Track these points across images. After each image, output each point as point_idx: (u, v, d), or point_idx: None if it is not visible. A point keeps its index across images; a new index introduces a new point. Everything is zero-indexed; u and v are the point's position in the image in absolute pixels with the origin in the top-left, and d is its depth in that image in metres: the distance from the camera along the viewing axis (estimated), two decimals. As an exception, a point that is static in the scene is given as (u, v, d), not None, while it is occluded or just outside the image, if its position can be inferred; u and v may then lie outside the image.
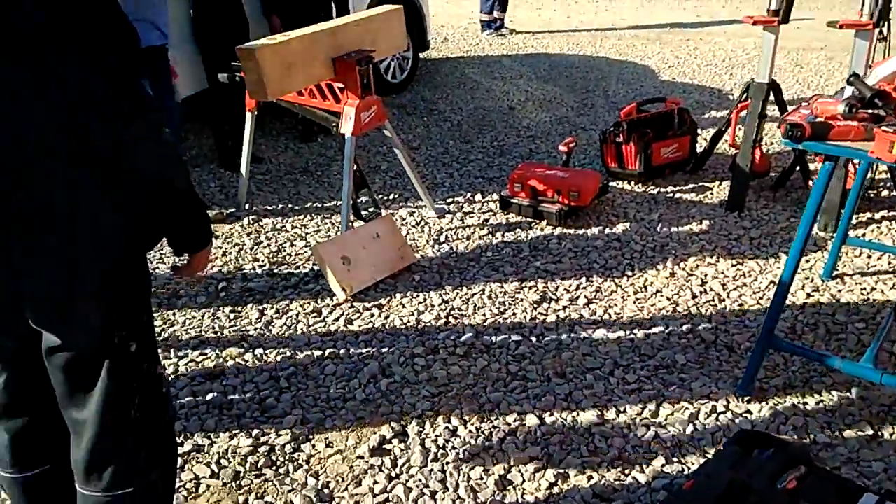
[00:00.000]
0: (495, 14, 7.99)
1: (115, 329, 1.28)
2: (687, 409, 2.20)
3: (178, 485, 1.90)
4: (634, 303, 2.83)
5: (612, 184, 3.93)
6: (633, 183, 3.97)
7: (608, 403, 2.24)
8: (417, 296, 2.91)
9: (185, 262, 1.42)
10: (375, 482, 1.96)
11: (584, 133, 4.84)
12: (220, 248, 3.35)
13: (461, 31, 8.37)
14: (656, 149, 3.93)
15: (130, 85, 1.17)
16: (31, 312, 1.25)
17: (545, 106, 5.49)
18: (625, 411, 2.21)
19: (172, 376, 2.42)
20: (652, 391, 2.29)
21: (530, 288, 2.96)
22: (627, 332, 2.63)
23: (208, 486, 1.96)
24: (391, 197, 3.90)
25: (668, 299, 2.85)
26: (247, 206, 3.78)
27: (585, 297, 2.88)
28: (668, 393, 2.28)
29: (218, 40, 3.92)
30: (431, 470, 1.99)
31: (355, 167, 3.23)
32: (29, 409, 1.40)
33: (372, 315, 2.78)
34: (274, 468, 2.02)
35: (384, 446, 2.09)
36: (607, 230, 3.45)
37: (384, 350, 2.55)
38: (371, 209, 3.40)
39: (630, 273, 3.06)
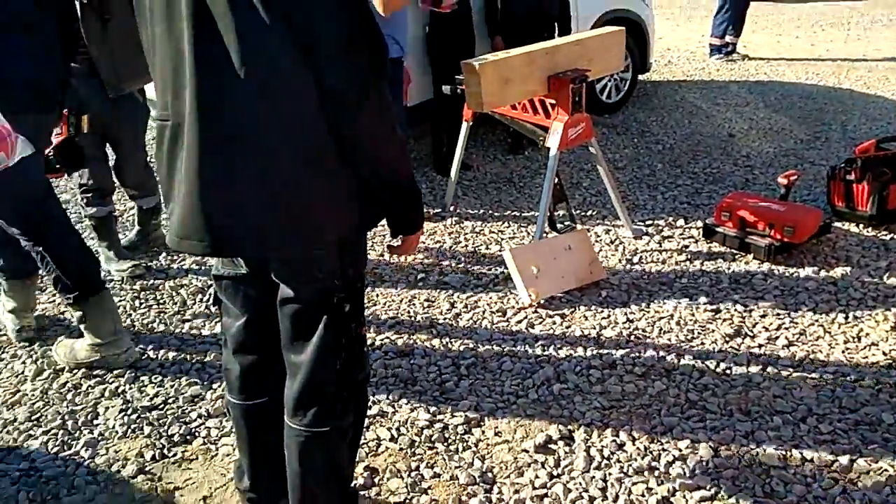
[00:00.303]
0: (727, 38, 7.62)
1: (335, 291, 1.51)
2: (886, 471, 1.98)
3: (362, 440, 2.12)
4: (843, 352, 2.59)
5: (836, 224, 3.60)
6: (861, 226, 3.60)
7: (793, 449, 2.10)
8: (602, 311, 2.92)
9: (398, 242, 1.62)
10: (537, 476, 2.03)
11: (812, 168, 4.47)
12: (424, 242, 3.62)
13: (687, 55, 8.10)
14: (894, 191, 3.53)
15: (377, 88, 1.37)
16: (276, 269, 1.52)
17: (770, 136, 5.15)
18: (812, 460, 2.05)
19: (369, 348, 2.69)
20: (847, 445, 2.10)
21: (724, 320, 2.83)
22: (829, 381, 2.42)
23: (387, 448, 2.17)
24: (589, 213, 3.93)
25: (885, 354, 2.56)
26: (451, 209, 4.04)
27: (786, 338, 2.70)
28: (865, 451, 2.07)
29: (447, 55, 4.23)
30: (593, 477, 2.02)
31: (556, 180, 3.33)
32: (259, 348, 1.68)
33: (554, 322, 2.85)
34: (445, 444, 2.18)
35: (549, 445, 2.16)
36: (823, 272, 3.18)
37: (561, 357, 2.61)
38: (567, 223, 3.47)
39: (843, 320, 2.80)
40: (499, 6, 4.70)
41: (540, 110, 3.43)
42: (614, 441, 2.15)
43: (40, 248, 2.48)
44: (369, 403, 2.28)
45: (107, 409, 2.41)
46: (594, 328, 2.80)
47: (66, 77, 2.57)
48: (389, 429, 2.24)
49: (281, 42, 1.28)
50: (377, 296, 3.12)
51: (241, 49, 1.27)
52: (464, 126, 3.83)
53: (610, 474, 2.02)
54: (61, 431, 2.30)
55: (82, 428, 2.32)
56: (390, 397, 2.40)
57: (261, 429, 1.73)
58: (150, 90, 3.34)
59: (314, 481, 1.61)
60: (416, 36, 4.41)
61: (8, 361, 2.69)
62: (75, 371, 2.60)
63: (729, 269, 3.25)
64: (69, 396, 2.47)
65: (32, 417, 2.37)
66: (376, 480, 2.05)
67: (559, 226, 3.44)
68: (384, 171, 1.45)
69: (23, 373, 2.62)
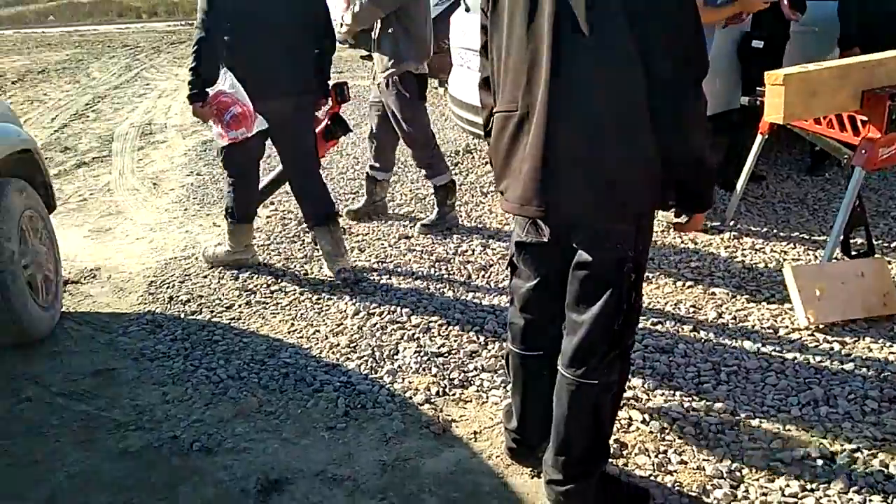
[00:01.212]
0: None
1: (627, 261, 1.73)
2: None
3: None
4: None
5: None
6: None
7: None
8: (891, 346, 2.71)
9: (686, 219, 1.81)
10: (788, 485, 2.03)
11: None
12: (697, 252, 3.64)
13: None
14: None
15: (697, 82, 1.59)
16: (580, 238, 1.75)
17: None
18: None
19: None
20: None
21: None
22: None
23: (638, 428, 2.33)
24: (893, 245, 3.58)
25: None
26: (731, 223, 3.96)
27: None
28: None
29: (759, 67, 4.10)
30: (851, 499, 1.96)
31: (857, 202, 3.12)
32: (542, 308, 1.96)
33: (831, 348, 2.72)
34: (696, 437, 2.27)
35: (806, 461, 2.12)
36: None
37: (833, 382, 2.50)
38: (863, 250, 3.23)
39: None
40: (854, 19, 4.32)
41: (848, 126, 3.24)
42: (882, 471, 2.05)
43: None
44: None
45: (405, 349, 2.92)
46: (878, 361, 2.61)
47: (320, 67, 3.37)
48: (642, 412, 2.39)
49: (620, 25, 1.53)
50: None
51: (587, 25, 1.54)
52: (758, 139, 3.75)
53: (871, 500, 1.94)
54: (370, 359, 2.85)
55: (386, 360, 2.85)
56: (646, 385, 2.54)
57: (533, 377, 2.02)
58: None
59: (577, 427, 1.85)
60: (719, 46, 4.35)
61: (335, 301, 3.37)
62: (384, 314, 3.17)
63: None
64: (377, 334, 3.04)
65: (350, 345, 2.97)
66: (624, 453, 2.22)
67: (853, 252, 3.22)
68: (694, 152, 1.64)
69: (345, 310, 3.26)
